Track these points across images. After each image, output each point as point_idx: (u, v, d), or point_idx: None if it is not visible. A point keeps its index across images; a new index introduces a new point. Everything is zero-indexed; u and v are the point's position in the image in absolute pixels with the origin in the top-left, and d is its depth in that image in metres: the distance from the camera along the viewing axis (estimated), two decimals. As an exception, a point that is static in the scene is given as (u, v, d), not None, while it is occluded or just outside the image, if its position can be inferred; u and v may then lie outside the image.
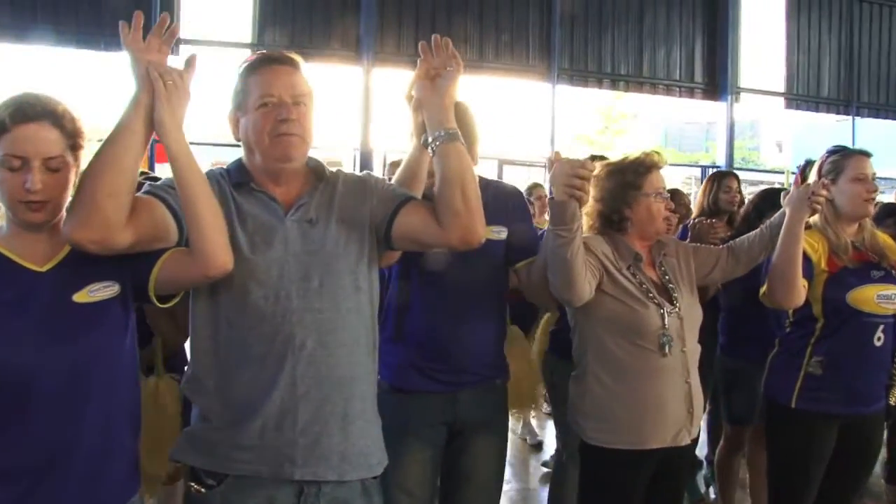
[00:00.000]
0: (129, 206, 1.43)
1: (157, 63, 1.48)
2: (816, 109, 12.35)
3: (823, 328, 2.38)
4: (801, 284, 2.28)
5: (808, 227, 2.41)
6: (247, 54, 8.13)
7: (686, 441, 2.20)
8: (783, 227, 2.25)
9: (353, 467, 1.63)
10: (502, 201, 2.21)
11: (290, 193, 1.66)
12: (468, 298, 2.14)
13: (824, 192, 2.26)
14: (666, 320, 2.14)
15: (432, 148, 1.65)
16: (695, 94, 11.42)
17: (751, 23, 11.45)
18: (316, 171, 1.71)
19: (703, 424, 3.16)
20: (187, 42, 9.71)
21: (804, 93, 12.06)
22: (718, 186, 3.76)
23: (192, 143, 1.51)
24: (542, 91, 10.84)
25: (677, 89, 11.38)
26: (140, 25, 1.47)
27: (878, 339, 2.36)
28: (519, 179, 9.04)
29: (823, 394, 2.37)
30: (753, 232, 2.37)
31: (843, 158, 2.43)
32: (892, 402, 2.52)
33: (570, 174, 1.85)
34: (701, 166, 13.81)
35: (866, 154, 2.43)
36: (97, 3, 9.04)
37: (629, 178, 2.23)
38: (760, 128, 17.95)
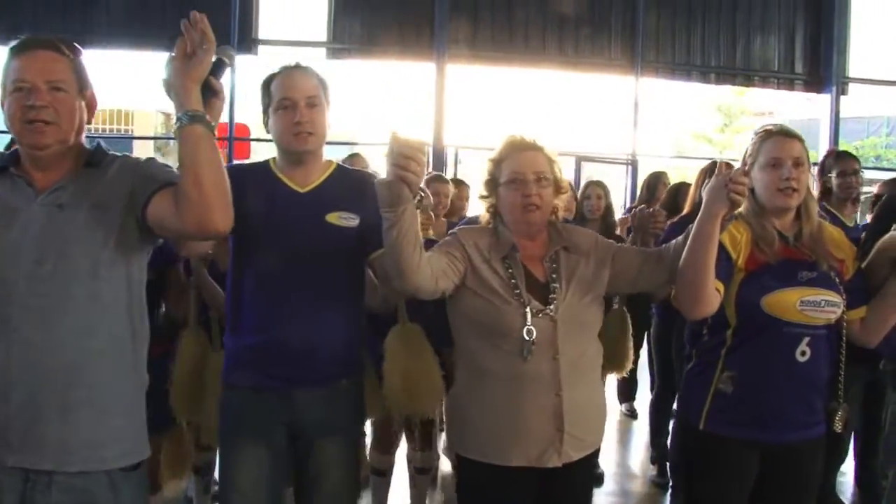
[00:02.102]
0: None
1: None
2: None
3: (735, 337, 2.00)
4: (713, 292, 1.92)
5: (736, 216, 2.06)
6: (322, 54, 8.40)
7: (554, 463, 1.91)
8: (694, 225, 1.91)
9: (79, 458, 1.55)
10: (358, 189, 2.04)
11: (49, 178, 1.62)
12: (310, 290, 1.98)
13: (744, 181, 1.86)
14: (529, 321, 1.87)
15: (174, 131, 1.54)
16: (794, 85, 10.44)
17: (861, 6, 10.36)
18: (89, 156, 1.66)
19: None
20: (265, 43, 10.03)
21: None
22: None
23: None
24: (626, 85, 10.35)
25: (774, 81, 10.46)
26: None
27: (803, 353, 1.95)
28: (598, 176, 8.61)
29: (734, 416, 2.00)
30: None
31: (760, 140, 2.04)
32: (837, 429, 2.09)
33: (399, 154, 1.67)
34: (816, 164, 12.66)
35: (787, 134, 2.02)
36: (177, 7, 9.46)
37: (490, 167, 2.04)
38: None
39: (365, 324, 2.19)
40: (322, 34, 10.01)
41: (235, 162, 1.90)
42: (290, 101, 1.98)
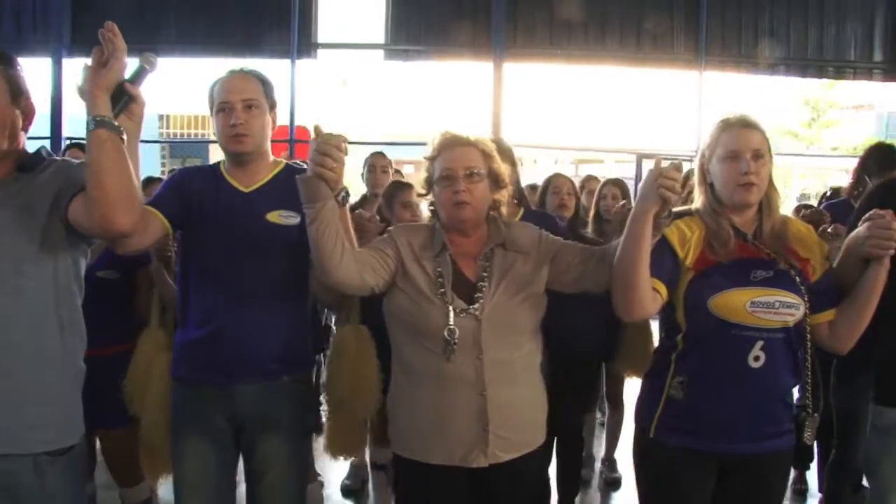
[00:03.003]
0: None
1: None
2: None
3: (685, 341, 1.89)
4: (648, 293, 1.82)
5: (690, 212, 1.96)
6: (380, 55, 8.54)
7: (480, 464, 1.87)
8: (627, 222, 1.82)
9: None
10: None
11: None
12: (251, 286, 2.03)
13: (675, 176, 1.72)
14: (451, 320, 1.84)
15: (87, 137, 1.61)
16: (873, 75, 9.85)
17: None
18: (23, 161, 1.73)
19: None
20: (325, 46, 10.24)
21: None
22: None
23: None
24: (689, 80, 10.02)
25: (851, 71, 9.89)
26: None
27: (757, 358, 1.82)
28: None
29: (686, 424, 1.89)
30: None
31: (718, 131, 1.92)
32: (807, 442, 1.95)
33: (315, 150, 1.70)
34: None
35: (746, 124, 1.89)
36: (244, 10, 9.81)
37: (427, 165, 2.01)
38: None
39: (310, 320, 2.21)
40: (380, 36, 10.14)
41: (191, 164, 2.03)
42: (228, 104, 2.03)
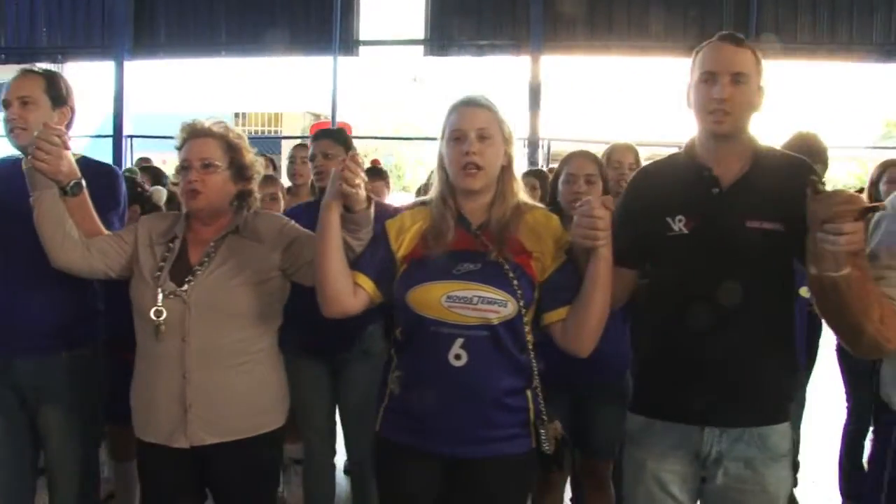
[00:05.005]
0: None
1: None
2: None
3: (402, 335, 1.84)
4: (344, 289, 1.81)
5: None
6: (420, 51, 8.75)
7: (181, 444, 1.94)
8: None
9: None
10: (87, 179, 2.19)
11: None
12: (28, 266, 2.14)
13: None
14: (159, 302, 1.92)
15: None
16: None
17: None
18: None
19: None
20: (366, 44, 10.42)
21: None
22: None
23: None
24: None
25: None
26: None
27: (458, 357, 1.73)
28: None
29: (403, 420, 1.83)
30: None
31: (448, 114, 1.85)
32: (546, 451, 1.80)
33: (35, 144, 1.88)
34: None
35: (470, 104, 1.81)
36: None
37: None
38: None
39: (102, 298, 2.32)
40: (420, 32, 10.22)
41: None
42: (6, 101, 2.18)
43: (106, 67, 10.55)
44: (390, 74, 15.57)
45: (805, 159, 1.87)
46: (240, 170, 2.02)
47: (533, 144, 9.76)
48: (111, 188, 2.32)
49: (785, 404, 1.85)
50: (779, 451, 1.79)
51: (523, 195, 1.89)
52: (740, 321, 1.76)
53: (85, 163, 2.26)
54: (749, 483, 1.77)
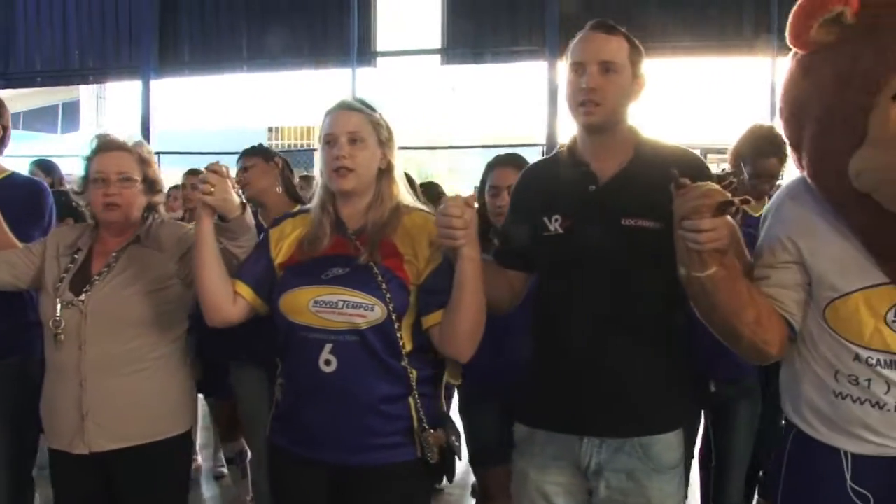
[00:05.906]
0: None
1: None
2: None
3: (284, 341, 1.81)
4: (223, 297, 1.79)
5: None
6: (437, 61, 8.80)
7: (80, 450, 1.96)
8: None
9: None
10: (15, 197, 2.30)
11: None
12: None
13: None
14: (58, 311, 1.95)
15: None
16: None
17: None
18: None
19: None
20: (384, 55, 10.49)
21: None
22: None
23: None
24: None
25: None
26: None
27: (328, 362, 1.69)
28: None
29: (286, 426, 1.81)
30: None
31: (323, 118, 1.82)
32: (430, 459, 1.72)
33: None
34: None
35: (344, 107, 1.79)
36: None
37: (84, 166, 2.09)
38: None
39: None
40: (436, 41, 10.24)
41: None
42: None
43: (134, 87, 10.88)
44: (417, 85, 15.53)
45: (691, 151, 1.78)
46: (151, 183, 2.07)
47: (551, 148, 9.66)
48: (35, 203, 2.37)
49: (674, 413, 1.76)
50: (663, 462, 1.70)
51: (406, 197, 1.85)
52: (618, 327, 1.68)
53: (12, 179, 2.32)
54: (632, 496, 1.69)
